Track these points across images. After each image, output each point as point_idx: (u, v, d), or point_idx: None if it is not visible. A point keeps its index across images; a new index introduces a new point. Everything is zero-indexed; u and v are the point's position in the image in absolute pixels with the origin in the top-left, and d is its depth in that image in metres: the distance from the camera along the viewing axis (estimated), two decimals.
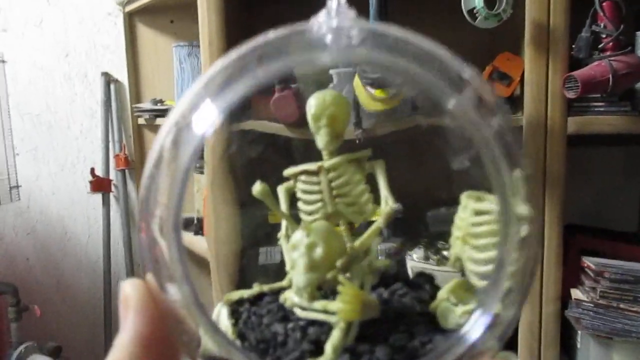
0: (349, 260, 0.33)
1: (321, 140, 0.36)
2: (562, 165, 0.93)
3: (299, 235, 0.32)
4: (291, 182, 0.38)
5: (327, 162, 0.36)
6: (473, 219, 0.32)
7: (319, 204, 0.36)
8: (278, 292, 0.36)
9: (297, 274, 0.32)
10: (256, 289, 0.37)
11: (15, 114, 1.45)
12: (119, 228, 1.44)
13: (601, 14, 0.88)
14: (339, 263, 0.33)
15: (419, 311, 0.34)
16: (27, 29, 1.44)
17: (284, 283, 0.36)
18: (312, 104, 0.36)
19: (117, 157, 1.39)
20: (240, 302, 0.36)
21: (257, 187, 0.33)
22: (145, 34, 1.37)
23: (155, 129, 1.39)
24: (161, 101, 1.32)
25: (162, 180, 0.26)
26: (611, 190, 1.24)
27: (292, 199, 0.39)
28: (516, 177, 0.28)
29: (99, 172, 1.39)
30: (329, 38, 0.29)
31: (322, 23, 0.29)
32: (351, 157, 0.36)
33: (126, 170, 1.41)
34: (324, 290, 0.33)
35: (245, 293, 0.36)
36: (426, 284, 0.37)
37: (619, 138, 1.03)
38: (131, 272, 1.43)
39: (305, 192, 0.37)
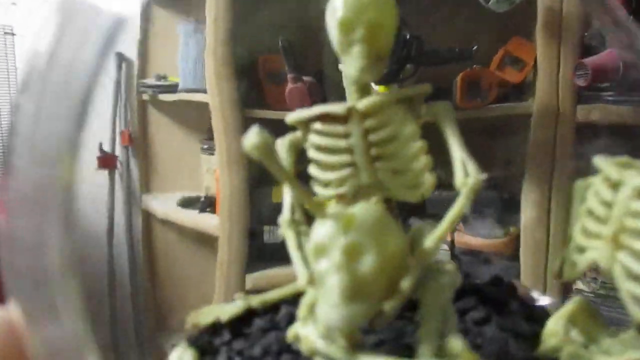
0: (417, 274, 0.19)
1: (353, 64, 0.22)
2: (571, 153, 0.91)
3: (327, 230, 0.18)
4: (298, 134, 0.25)
5: (362, 102, 0.23)
6: (635, 203, 0.20)
7: (347, 171, 0.23)
8: (276, 308, 0.24)
9: (327, 301, 0.18)
10: (240, 303, 0.24)
11: None
12: (121, 206, 1.46)
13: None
14: (405, 283, 0.19)
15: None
16: (36, 2, 1.43)
17: (285, 291, 0.24)
18: (340, 3, 0.22)
19: (123, 133, 1.39)
20: (215, 329, 0.24)
21: (253, 140, 0.18)
22: (157, 12, 1.36)
23: (158, 104, 1.38)
24: (165, 77, 1.31)
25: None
26: None
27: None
28: None
29: (107, 148, 1.39)
30: None
31: None
32: (400, 95, 0.23)
33: (129, 147, 1.41)
34: (375, 330, 0.20)
35: (223, 312, 0.24)
36: (509, 298, 0.25)
37: (626, 130, 1.01)
38: (131, 249, 1.45)
39: (323, 150, 0.23)
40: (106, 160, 1.35)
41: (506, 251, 0.99)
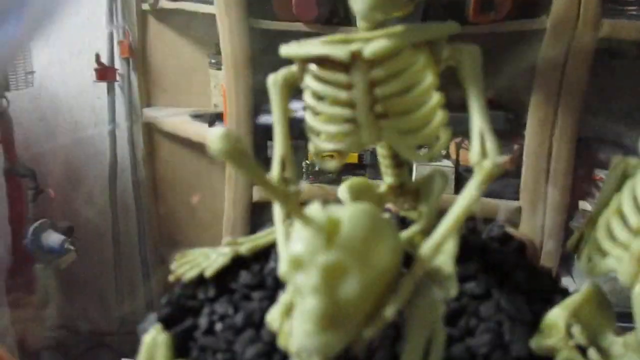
0: (406, 297, 0.16)
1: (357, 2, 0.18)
2: (583, 72, 0.87)
3: (306, 242, 0.15)
4: (294, 70, 0.21)
5: (369, 47, 0.18)
6: None
7: (346, 127, 0.19)
8: (266, 255, 0.21)
9: (302, 324, 0.15)
10: (227, 251, 0.21)
11: None
12: (124, 118, 1.44)
13: None
14: (389, 310, 0.15)
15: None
16: None
17: (274, 236, 0.21)
18: None
19: (122, 44, 1.35)
20: (199, 282, 0.21)
21: (220, 145, 0.15)
22: None
23: (159, 14, 1.33)
24: None
25: None
26: (634, 107, 1.16)
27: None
28: None
29: (105, 60, 1.36)
30: None
31: None
32: (419, 37, 0.19)
33: (130, 59, 1.37)
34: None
35: (209, 265, 0.21)
36: (515, 266, 0.22)
37: None
38: (134, 161, 1.45)
39: (321, 99, 0.20)
40: (104, 73, 1.32)
41: (510, 168, 0.98)
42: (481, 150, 0.19)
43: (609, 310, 0.20)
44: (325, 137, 0.20)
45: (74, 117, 1.50)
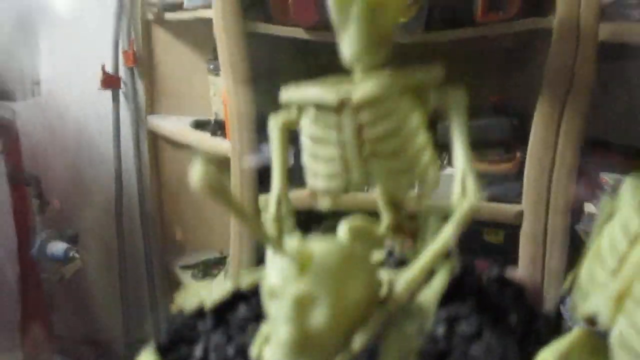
0: (376, 329, 0.16)
1: (349, 44, 0.19)
2: (590, 72, 0.87)
3: (281, 272, 0.15)
4: (293, 114, 0.21)
5: (358, 92, 0.18)
6: None
7: (338, 166, 0.19)
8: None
9: (274, 351, 0.16)
10: (228, 285, 0.21)
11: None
12: (128, 125, 1.45)
13: None
14: (358, 342, 0.15)
15: None
16: None
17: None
18: None
19: (126, 53, 1.36)
20: (200, 312, 0.20)
21: (201, 180, 0.15)
22: None
23: (164, 24, 1.34)
24: None
25: None
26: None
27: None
28: None
29: (109, 69, 1.37)
30: None
31: None
32: (407, 81, 0.19)
33: (134, 68, 1.39)
34: None
35: (210, 297, 0.21)
36: (510, 308, 0.21)
37: None
38: (139, 168, 1.46)
39: (315, 140, 0.20)
40: (109, 81, 1.34)
41: (513, 173, 0.98)
42: (462, 190, 0.19)
43: (603, 351, 0.18)
44: (319, 176, 0.20)
45: (79, 126, 1.51)
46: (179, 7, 1.22)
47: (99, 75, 1.35)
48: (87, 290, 1.52)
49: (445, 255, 0.20)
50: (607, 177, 0.94)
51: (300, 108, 0.21)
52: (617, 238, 0.18)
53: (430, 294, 0.19)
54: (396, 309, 0.17)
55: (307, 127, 0.21)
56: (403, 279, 0.18)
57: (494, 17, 0.87)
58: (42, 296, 1.42)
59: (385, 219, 0.23)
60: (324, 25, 0.94)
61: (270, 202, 0.22)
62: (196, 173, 0.15)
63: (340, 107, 0.20)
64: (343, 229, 0.22)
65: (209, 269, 1.31)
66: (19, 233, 1.35)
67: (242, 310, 0.22)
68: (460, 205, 0.19)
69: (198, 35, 1.32)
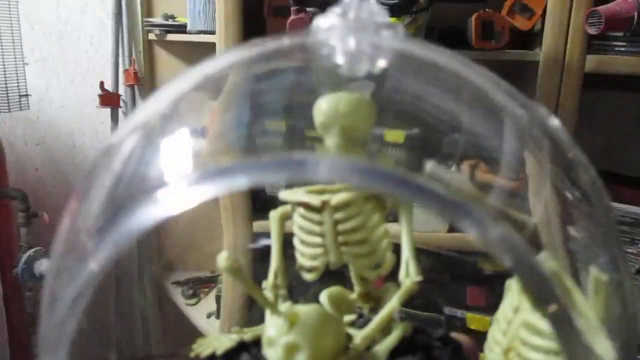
0: None
1: (330, 149, 0.26)
2: (575, 102, 0.92)
3: (275, 326, 0.24)
4: (288, 208, 0.29)
5: (335, 198, 0.27)
6: (525, 334, 0.23)
7: (320, 250, 0.28)
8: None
9: None
10: (234, 337, 0.28)
11: (25, 22, 1.43)
12: None
13: None
14: None
15: None
16: None
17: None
18: (322, 109, 0.27)
19: (127, 72, 1.38)
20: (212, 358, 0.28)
21: (224, 264, 0.23)
22: None
23: (166, 45, 1.37)
24: (172, 17, 1.30)
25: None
26: (621, 136, 1.23)
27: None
28: (597, 280, 0.22)
29: (108, 87, 1.38)
30: (342, 59, 0.23)
31: (335, 38, 0.23)
32: (370, 192, 0.27)
33: (135, 87, 1.40)
34: None
35: (220, 345, 0.28)
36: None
37: (635, 82, 1.01)
38: None
39: (303, 230, 0.28)
40: (108, 99, 1.35)
41: (522, 191, 1.01)
42: (406, 272, 0.26)
43: None
44: (305, 256, 0.29)
45: (74, 141, 1.51)
46: (182, 29, 1.25)
47: (96, 92, 1.35)
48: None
49: (401, 319, 0.27)
50: None
51: (293, 206, 0.29)
52: (507, 308, 0.25)
53: (383, 347, 0.26)
54: (356, 356, 0.25)
55: (297, 220, 0.29)
56: (361, 333, 0.25)
57: (486, 45, 0.93)
58: (24, 315, 1.39)
59: (357, 289, 0.31)
60: None
61: (269, 274, 0.30)
62: (222, 258, 0.23)
63: (321, 208, 0.27)
64: (323, 296, 0.29)
65: (198, 287, 1.31)
66: (2, 249, 1.32)
67: (245, 356, 0.28)
68: (404, 283, 0.26)
69: (199, 56, 1.35)
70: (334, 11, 0.22)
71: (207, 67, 0.27)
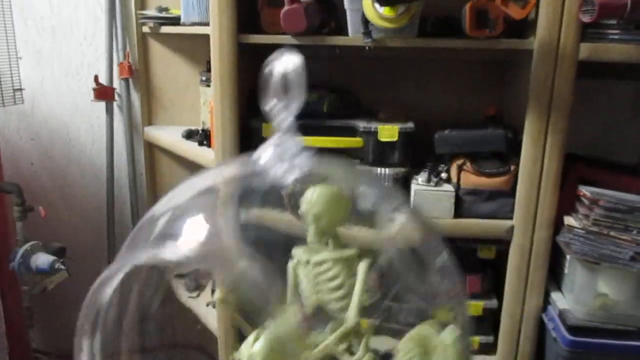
0: None
1: (308, 235, 0.37)
2: (570, 91, 0.93)
3: (246, 344, 0.34)
4: (295, 262, 0.41)
5: (315, 257, 0.38)
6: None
7: (306, 293, 0.38)
8: None
9: None
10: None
11: (18, 17, 1.42)
12: (122, 136, 1.46)
13: None
14: None
15: None
16: None
17: None
18: (302, 200, 0.38)
19: (121, 65, 1.37)
20: None
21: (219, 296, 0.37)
22: None
23: (160, 37, 1.37)
24: (166, 9, 1.29)
25: None
26: (616, 124, 1.24)
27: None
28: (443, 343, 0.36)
29: (103, 80, 1.38)
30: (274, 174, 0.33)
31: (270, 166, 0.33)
32: (339, 255, 0.37)
33: (130, 79, 1.40)
34: None
35: None
36: None
37: (630, 70, 1.02)
38: (133, 180, 1.46)
39: (301, 277, 0.40)
40: (102, 92, 1.34)
41: (507, 187, 1.01)
42: (350, 314, 0.37)
43: None
44: (303, 296, 0.40)
45: (69, 135, 1.51)
46: (175, 21, 1.24)
47: (90, 85, 1.35)
48: (74, 303, 1.49)
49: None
50: (584, 191, 0.99)
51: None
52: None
53: None
54: None
55: (298, 271, 0.40)
56: (316, 349, 0.36)
57: (480, 33, 0.93)
58: (21, 309, 1.39)
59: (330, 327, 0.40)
60: (311, 31, 0.99)
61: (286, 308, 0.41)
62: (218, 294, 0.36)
63: (307, 262, 0.40)
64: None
65: (199, 278, 1.31)
66: None
67: None
68: (345, 324, 0.36)
69: (193, 48, 1.35)
70: (270, 143, 0.33)
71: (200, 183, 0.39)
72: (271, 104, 0.32)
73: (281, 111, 0.33)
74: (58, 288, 1.36)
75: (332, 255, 0.38)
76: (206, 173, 0.41)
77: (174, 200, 0.37)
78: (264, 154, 0.33)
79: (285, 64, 0.32)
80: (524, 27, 1.01)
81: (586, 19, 0.88)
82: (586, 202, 0.97)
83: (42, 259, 1.27)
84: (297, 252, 0.39)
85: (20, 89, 1.34)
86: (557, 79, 0.93)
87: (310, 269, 0.37)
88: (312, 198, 0.37)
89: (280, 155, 0.32)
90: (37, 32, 1.46)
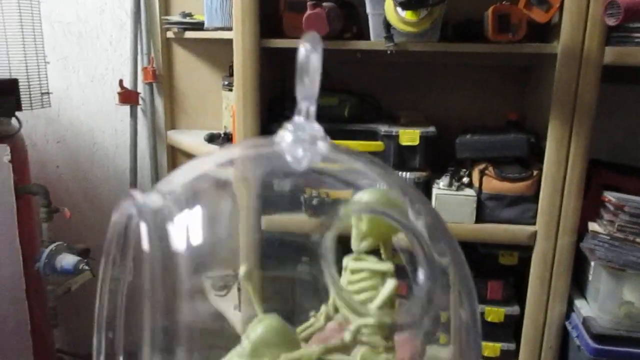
0: None
1: (353, 239, 0.35)
2: (594, 95, 0.92)
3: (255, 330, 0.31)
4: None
5: (351, 264, 0.36)
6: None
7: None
8: None
9: None
10: None
11: (46, 22, 1.46)
12: (145, 140, 1.48)
13: None
14: None
15: None
16: None
17: None
18: (353, 200, 0.35)
19: (145, 70, 1.40)
20: None
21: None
22: None
23: (183, 42, 1.39)
24: (190, 14, 1.31)
25: None
26: None
27: None
28: None
29: (127, 85, 1.40)
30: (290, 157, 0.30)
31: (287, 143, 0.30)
32: (374, 267, 0.35)
33: (154, 84, 1.42)
34: None
35: None
36: None
37: None
38: (156, 183, 1.48)
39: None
40: (127, 96, 1.36)
41: (529, 193, 1.00)
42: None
43: None
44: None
45: (94, 139, 1.54)
46: (199, 26, 1.26)
47: (115, 90, 1.37)
48: (95, 304, 1.52)
49: None
50: (609, 196, 0.97)
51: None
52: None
53: None
54: None
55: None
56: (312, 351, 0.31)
57: (503, 37, 0.92)
58: (46, 308, 1.42)
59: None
60: (333, 35, 1.00)
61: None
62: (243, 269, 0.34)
63: (345, 268, 0.36)
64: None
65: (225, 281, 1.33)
66: (24, 244, 1.34)
67: None
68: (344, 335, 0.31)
69: (216, 53, 1.36)
70: (288, 128, 0.30)
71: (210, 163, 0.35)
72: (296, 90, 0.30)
73: (302, 96, 0.30)
74: (82, 289, 1.39)
75: (369, 265, 0.35)
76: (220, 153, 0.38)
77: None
78: (284, 136, 0.31)
79: (305, 49, 0.32)
80: (548, 31, 1.00)
81: (611, 22, 0.87)
82: (611, 207, 0.96)
83: (67, 260, 1.30)
84: (346, 258, 0.36)
85: (48, 93, 1.37)
86: (581, 83, 0.92)
87: (347, 275, 0.34)
88: (368, 198, 0.32)
89: (300, 139, 0.30)
90: (65, 37, 1.50)
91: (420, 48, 0.97)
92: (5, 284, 1.31)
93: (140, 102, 1.43)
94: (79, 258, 1.29)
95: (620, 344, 0.93)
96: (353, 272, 0.34)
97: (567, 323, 1.02)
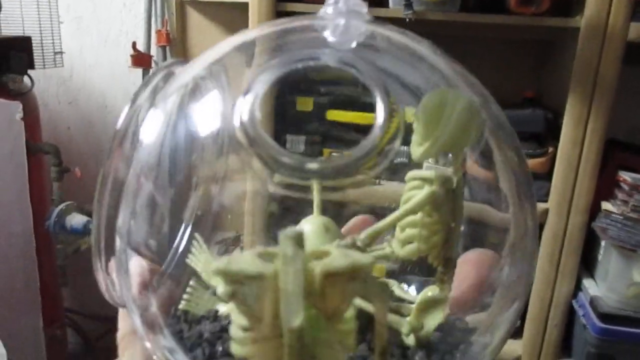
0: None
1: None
2: (616, 73, 0.89)
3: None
4: None
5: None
6: None
7: None
8: None
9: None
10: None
11: None
12: None
13: None
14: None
15: None
16: None
17: None
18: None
19: (159, 32, 1.38)
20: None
21: None
22: None
23: (198, 6, 1.37)
24: None
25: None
26: None
27: None
28: None
29: (140, 47, 1.39)
30: (331, 37, 0.26)
31: (328, 19, 0.26)
32: (418, 175, 0.27)
33: (167, 47, 1.41)
34: None
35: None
36: None
37: None
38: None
39: None
40: (140, 59, 1.35)
41: (543, 170, 0.99)
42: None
43: None
44: None
45: (106, 102, 1.53)
46: None
47: (128, 52, 1.36)
48: None
49: None
50: (625, 176, 0.97)
51: None
52: None
53: None
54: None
55: None
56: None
57: (526, 9, 0.90)
58: (55, 267, 1.43)
59: None
60: None
61: None
62: None
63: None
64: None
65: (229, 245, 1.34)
66: (34, 202, 1.36)
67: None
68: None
69: (231, 17, 1.35)
70: (329, 2, 0.26)
71: (234, 41, 0.29)
72: None
73: None
74: (91, 249, 1.40)
75: (415, 174, 0.28)
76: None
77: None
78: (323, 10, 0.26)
79: None
80: (571, 5, 0.97)
81: None
82: (626, 187, 0.95)
83: (77, 219, 1.31)
84: None
85: (61, 52, 1.36)
86: (603, 60, 0.90)
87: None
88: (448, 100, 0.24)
89: (340, 11, 0.25)
90: None
91: (440, 17, 0.95)
92: (16, 241, 1.33)
93: (153, 65, 1.41)
94: (88, 218, 1.30)
95: (626, 324, 0.93)
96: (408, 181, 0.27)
97: (574, 302, 1.02)
